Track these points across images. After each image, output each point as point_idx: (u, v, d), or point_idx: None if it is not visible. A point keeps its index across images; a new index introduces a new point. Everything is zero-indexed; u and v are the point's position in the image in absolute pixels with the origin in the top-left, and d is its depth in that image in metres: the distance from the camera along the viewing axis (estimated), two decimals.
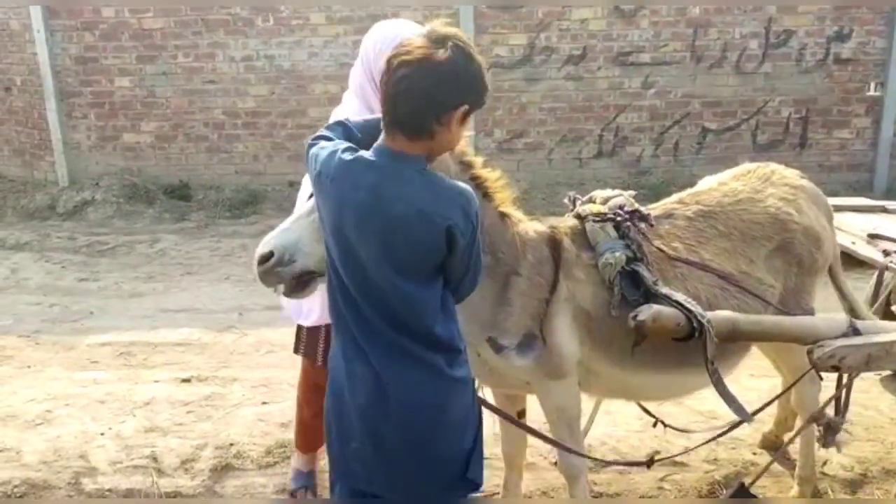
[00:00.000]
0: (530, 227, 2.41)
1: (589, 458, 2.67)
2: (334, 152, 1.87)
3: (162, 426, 3.65)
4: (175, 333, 4.82)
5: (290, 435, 3.32)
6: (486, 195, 2.24)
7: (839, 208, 3.89)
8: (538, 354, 2.33)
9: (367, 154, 1.84)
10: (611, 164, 8.00)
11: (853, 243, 3.30)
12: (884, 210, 3.92)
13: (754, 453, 3.29)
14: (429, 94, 1.73)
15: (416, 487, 1.93)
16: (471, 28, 7.52)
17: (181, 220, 7.44)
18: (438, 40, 1.74)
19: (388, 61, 1.76)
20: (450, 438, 1.93)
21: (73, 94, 7.90)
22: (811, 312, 2.68)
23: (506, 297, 2.30)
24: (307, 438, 3.04)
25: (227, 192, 7.75)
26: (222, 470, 3.30)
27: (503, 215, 2.31)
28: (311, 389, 2.85)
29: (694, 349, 2.30)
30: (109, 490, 3.18)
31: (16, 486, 3.18)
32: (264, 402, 3.85)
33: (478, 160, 2.23)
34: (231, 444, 3.46)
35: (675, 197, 2.73)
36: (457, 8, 7.49)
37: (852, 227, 3.47)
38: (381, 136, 1.84)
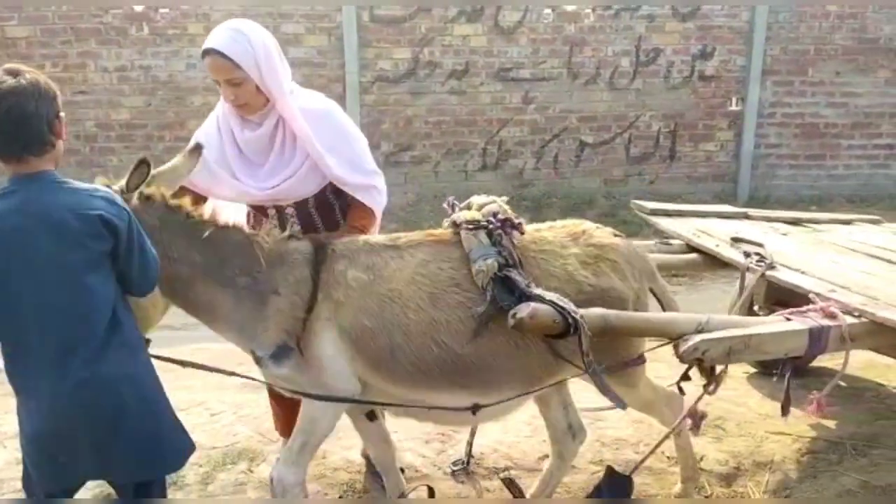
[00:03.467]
0: (298, 248, 2.49)
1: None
2: None
3: None
4: None
5: None
6: (217, 225, 2.41)
7: (705, 214, 4.13)
8: (295, 364, 2.42)
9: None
10: (495, 176, 8.19)
11: (717, 246, 3.50)
12: (746, 216, 4.18)
13: (636, 453, 3.43)
14: (38, 112, 1.97)
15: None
16: (354, 41, 7.54)
17: None
18: (11, 72, 1.97)
19: None
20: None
21: None
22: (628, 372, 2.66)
23: (264, 313, 2.41)
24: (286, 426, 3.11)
25: None
26: (104, 499, 3.14)
27: (249, 239, 2.43)
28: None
29: (479, 371, 2.41)
30: None
31: None
32: None
33: (185, 200, 2.42)
34: None
35: None
36: (340, 21, 7.49)
37: (717, 232, 3.68)
38: (10, 169, 2.01)
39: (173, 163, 2.55)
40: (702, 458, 3.34)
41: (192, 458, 3.14)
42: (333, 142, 2.73)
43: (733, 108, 8.39)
